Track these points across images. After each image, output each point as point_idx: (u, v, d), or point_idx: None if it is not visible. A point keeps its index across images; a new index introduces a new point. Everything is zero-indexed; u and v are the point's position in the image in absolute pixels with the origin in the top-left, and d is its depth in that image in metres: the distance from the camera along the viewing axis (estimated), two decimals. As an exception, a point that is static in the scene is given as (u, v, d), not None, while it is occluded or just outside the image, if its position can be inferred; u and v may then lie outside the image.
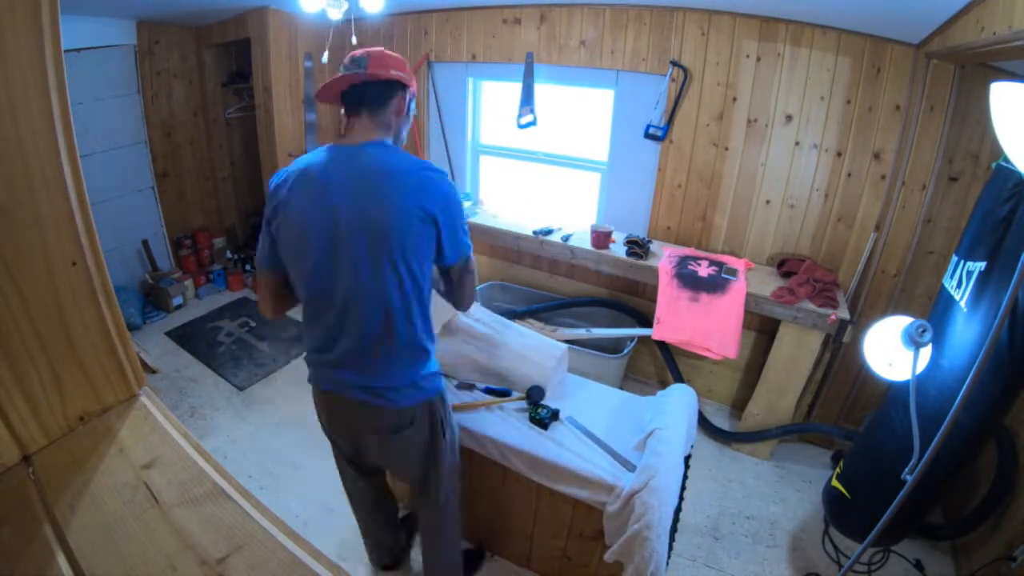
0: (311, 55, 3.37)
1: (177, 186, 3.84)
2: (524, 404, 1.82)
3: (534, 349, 1.92)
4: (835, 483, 1.85)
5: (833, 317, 2.22)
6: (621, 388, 2.37)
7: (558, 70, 2.87)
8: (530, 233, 2.92)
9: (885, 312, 2.28)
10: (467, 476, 1.83)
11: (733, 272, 2.49)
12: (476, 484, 1.87)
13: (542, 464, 1.62)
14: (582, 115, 3.03)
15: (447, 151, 3.39)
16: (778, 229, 2.65)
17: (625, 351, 2.78)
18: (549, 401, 1.82)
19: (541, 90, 2.94)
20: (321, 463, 2.39)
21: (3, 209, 0.74)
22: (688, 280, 2.48)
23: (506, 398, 1.83)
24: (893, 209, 2.27)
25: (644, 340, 2.83)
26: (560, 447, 1.64)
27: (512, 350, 1.91)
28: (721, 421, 2.85)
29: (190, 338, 3.36)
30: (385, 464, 1.54)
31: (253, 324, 3.53)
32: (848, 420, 2.66)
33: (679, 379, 2.80)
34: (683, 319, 2.49)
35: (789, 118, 2.46)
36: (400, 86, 1.24)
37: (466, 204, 3.24)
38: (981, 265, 1.42)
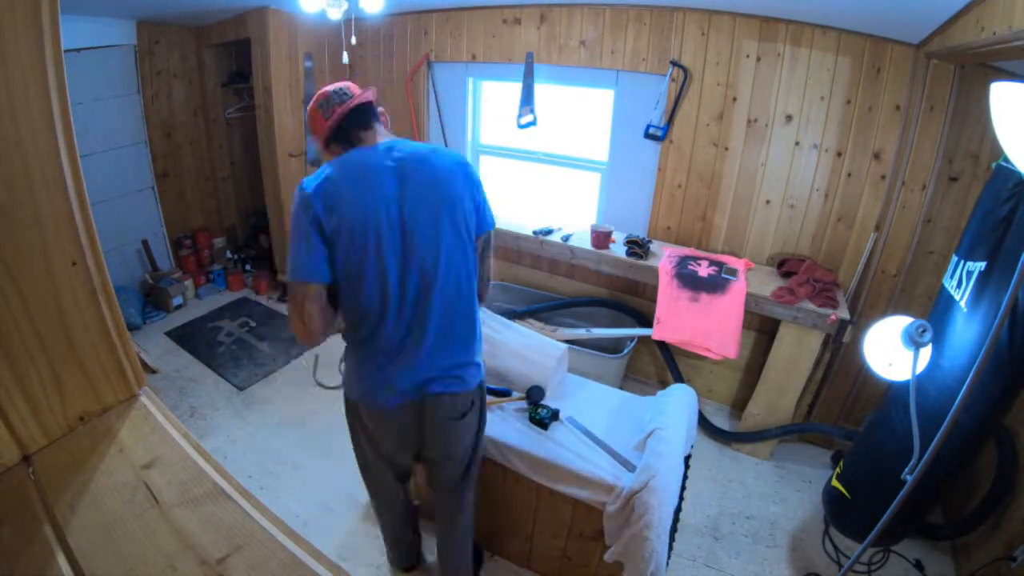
0: (311, 55, 3.37)
1: (177, 186, 3.84)
2: (524, 404, 1.82)
3: (534, 349, 1.92)
4: (835, 483, 1.85)
5: (833, 317, 2.22)
6: (621, 388, 2.37)
7: (558, 70, 2.87)
8: (530, 233, 2.92)
9: (885, 312, 2.28)
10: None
11: (733, 272, 2.49)
12: (476, 484, 1.87)
13: (542, 464, 1.62)
14: (582, 115, 3.03)
15: (447, 151, 3.39)
16: (778, 229, 2.65)
17: (625, 351, 2.78)
18: (549, 401, 1.82)
19: (541, 90, 2.94)
20: (321, 463, 2.40)
21: (3, 209, 0.74)
22: (688, 280, 2.48)
23: (506, 398, 1.84)
24: (893, 209, 2.27)
25: (644, 340, 2.83)
26: (560, 447, 1.65)
27: (512, 350, 1.91)
28: (721, 421, 2.85)
29: (190, 338, 3.35)
30: (440, 454, 1.49)
31: (253, 324, 3.53)
32: (848, 420, 2.66)
33: (679, 379, 2.80)
34: (683, 319, 2.49)
35: (789, 118, 2.46)
36: (374, 104, 1.35)
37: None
38: (981, 265, 1.42)
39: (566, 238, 2.85)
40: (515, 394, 1.85)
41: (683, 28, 2.52)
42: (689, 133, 2.67)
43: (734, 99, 2.54)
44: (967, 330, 1.41)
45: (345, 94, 1.28)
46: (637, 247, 2.66)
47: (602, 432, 1.72)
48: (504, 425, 1.72)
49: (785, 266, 2.55)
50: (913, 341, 1.26)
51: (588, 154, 3.06)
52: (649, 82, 2.67)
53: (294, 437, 2.58)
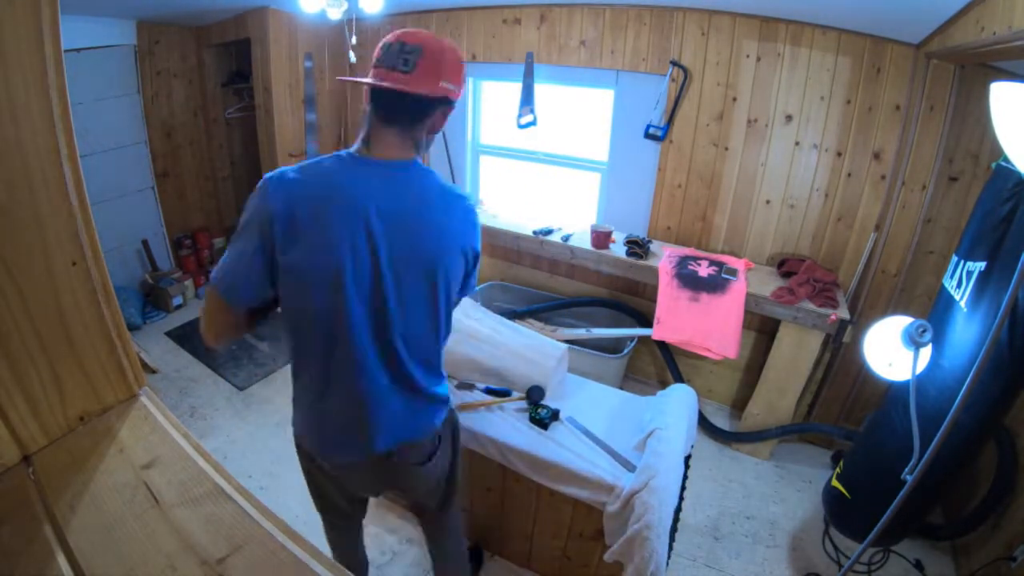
0: (311, 55, 3.37)
1: (177, 186, 3.83)
2: (524, 404, 1.82)
3: (534, 349, 1.92)
4: (835, 483, 1.85)
5: (833, 317, 2.22)
6: (621, 388, 2.37)
7: (558, 70, 2.87)
8: (530, 233, 2.92)
9: (885, 312, 2.28)
10: (467, 476, 1.83)
11: (733, 272, 2.49)
12: (476, 484, 1.87)
13: (542, 464, 1.62)
14: (582, 115, 3.03)
15: (447, 151, 3.39)
16: (778, 229, 2.65)
17: (625, 351, 2.78)
18: (549, 401, 1.82)
19: (541, 90, 2.94)
20: (321, 463, 2.40)
21: (3, 209, 0.74)
22: (688, 280, 2.48)
23: (506, 398, 1.84)
24: (893, 209, 2.27)
25: (644, 340, 2.83)
26: (560, 447, 1.64)
27: (512, 350, 1.91)
28: (721, 421, 2.85)
29: (190, 338, 3.35)
30: (409, 493, 1.41)
31: (253, 324, 3.53)
32: (848, 420, 2.66)
33: (679, 379, 2.80)
34: (683, 319, 2.49)
35: (789, 118, 2.46)
36: (445, 101, 1.04)
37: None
38: (981, 265, 1.42)
39: (566, 238, 2.85)
40: (515, 394, 1.85)
41: (683, 28, 2.52)
42: (689, 133, 2.67)
43: (734, 99, 2.54)
44: (967, 330, 1.41)
45: (407, 68, 0.96)
46: (637, 247, 2.66)
47: (602, 432, 1.72)
48: (504, 425, 1.72)
49: (785, 266, 2.55)
50: (913, 341, 1.26)
51: (588, 154, 3.06)
52: (649, 82, 2.67)
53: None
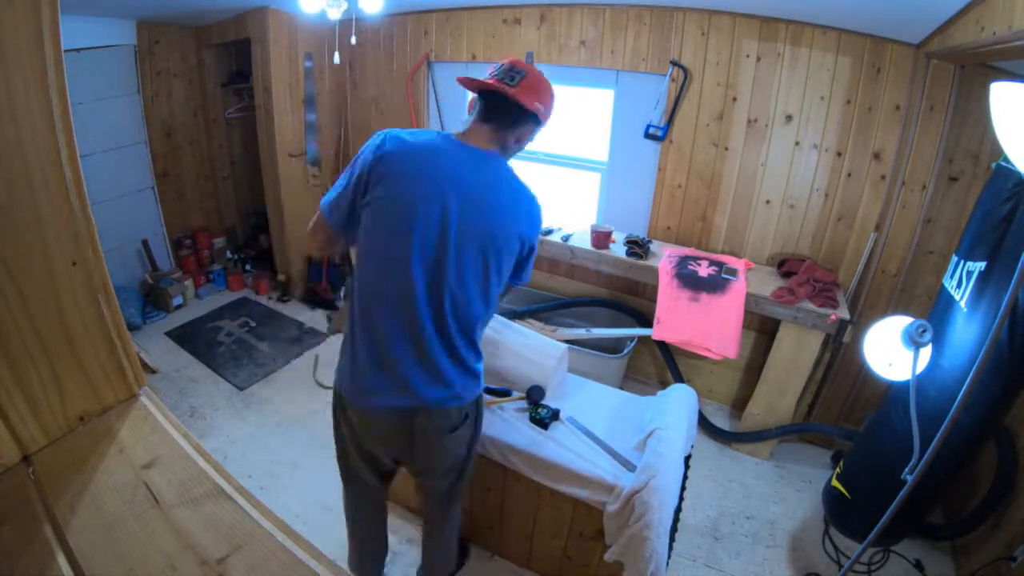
0: (311, 55, 3.37)
1: (177, 186, 3.83)
2: (524, 404, 1.82)
3: (534, 349, 1.92)
4: (835, 483, 1.85)
5: (833, 317, 2.22)
6: (621, 388, 2.37)
7: (558, 70, 2.87)
8: (530, 233, 2.92)
9: (885, 312, 2.28)
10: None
11: (733, 272, 2.49)
12: (476, 484, 1.87)
13: (542, 464, 1.62)
14: (582, 115, 3.03)
15: (447, 151, 3.39)
16: (778, 229, 2.65)
17: (625, 351, 2.78)
18: (549, 401, 1.82)
19: (553, 91, 2.93)
20: (321, 463, 2.40)
21: (3, 209, 0.74)
22: (688, 280, 2.48)
23: (506, 398, 1.84)
24: (893, 209, 2.27)
25: (644, 340, 2.83)
26: (560, 447, 1.65)
27: (512, 350, 1.91)
28: (721, 421, 2.85)
29: (190, 338, 3.35)
30: (426, 466, 1.44)
31: (253, 324, 3.53)
32: (848, 420, 2.66)
33: (679, 379, 2.80)
34: (683, 319, 2.49)
35: (789, 118, 2.46)
36: (536, 118, 1.25)
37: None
38: (981, 265, 1.42)
39: (566, 238, 2.85)
40: (515, 394, 1.85)
41: (683, 28, 2.52)
42: (689, 133, 2.67)
43: (734, 99, 2.54)
44: (967, 330, 1.41)
45: (513, 81, 1.19)
46: (637, 247, 2.66)
47: (602, 432, 1.72)
48: (504, 425, 1.72)
49: (785, 266, 2.55)
50: (913, 341, 1.26)
51: (588, 154, 3.06)
52: (649, 82, 2.67)
53: (294, 437, 2.58)
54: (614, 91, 2.79)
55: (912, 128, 2.17)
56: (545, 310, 3.10)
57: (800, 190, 2.54)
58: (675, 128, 2.69)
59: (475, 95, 1.28)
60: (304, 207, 3.54)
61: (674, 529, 1.71)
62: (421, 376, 1.23)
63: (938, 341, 1.44)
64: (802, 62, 2.37)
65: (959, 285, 1.50)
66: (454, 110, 3.31)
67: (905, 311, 1.86)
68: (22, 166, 0.75)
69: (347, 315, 1.31)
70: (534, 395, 1.81)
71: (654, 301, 2.59)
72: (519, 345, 1.93)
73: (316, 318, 3.61)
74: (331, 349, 3.07)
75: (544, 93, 1.25)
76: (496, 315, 2.09)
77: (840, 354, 2.52)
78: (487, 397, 1.83)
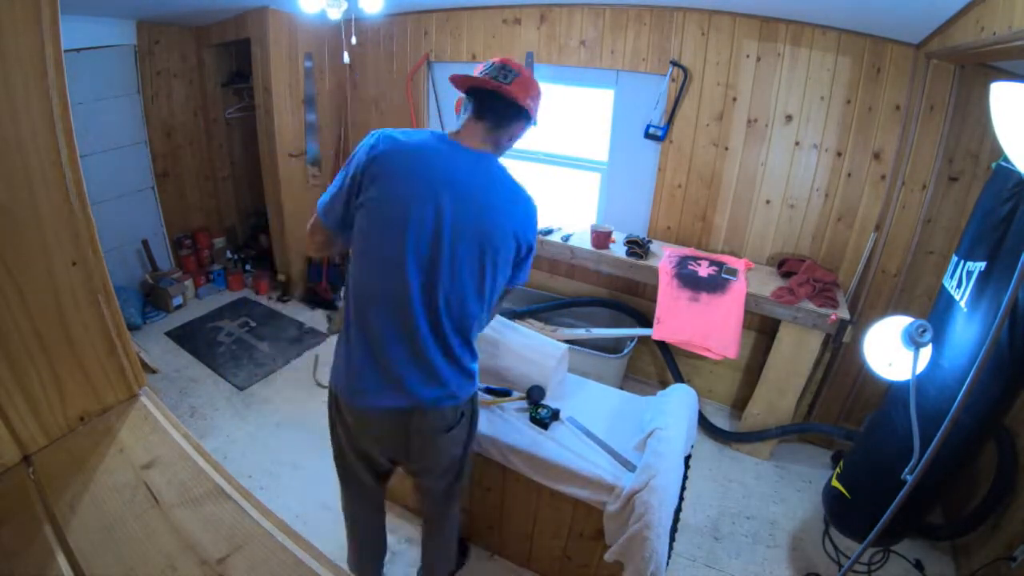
0: (311, 55, 3.37)
1: (177, 186, 3.83)
2: (524, 404, 1.82)
3: (534, 349, 1.92)
4: (835, 483, 1.85)
5: (833, 317, 2.22)
6: (621, 388, 2.37)
7: (558, 70, 2.87)
8: (530, 233, 2.92)
9: (885, 312, 2.28)
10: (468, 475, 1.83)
11: (733, 272, 2.49)
12: (476, 484, 1.87)
13: (542, 464, 1.62)
14: (582, 115, 3.03)
15: (447, 151, 3.39)
16: (778, 229, 2.65)
17: (625, 351, 2.78)
18: (549, 401, 1.82)
19: (541, 90, 2.93)
20: (321, 463, 2.39)
21: (3, 209, 0.74)
22: (688, 280, 2.48)
23: (506, 398, 1.84)
24: (893, 209, 2.27)
25: (644, 340, 2.83)
26: (560, 447, 1.64)
27: (512, 350, 1.91)
28: (721, 421, 2.85)
29: (190, 338, 3.35)
30: (422, 466, 1.44)
31: (253, 324, 3.53)
32: (848, 420, 2.66)
33: (679, 379, 2.80)
34: (683, 319, 2.49)
35: (789, 118, 2.46)
36: (527, 116, 1.28)
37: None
38: (981, 265, 1.42)
39: (566, 238, 2.85)
40: (515, 394, 1.85)
41: (683, 28, 2.52)
42: (689, 133, 2.67)
43: (734, 99, 2.54)
44: (967, 330, 1.41)
45: (506, 77, 1.20)
46: (637, 247, 2.66)
47: (602, 432, 1.72)
48: (504, 425, 1.72)
49: (785, 266, 2.55)
50: (913, 341, 1.26)
51: (588, 154, 3.06)
52: (649, 82, 2.67)
53: (294, 437, 2.58)
54: (614, 91, 2.79)
55: (912, 128, 2.17)
56: (545, 310, 3.10)
57: (800, 190, 2.54)
58: (675, 128, 2.69)
59: (463, 95, 1.27)
60: (304, 207, 3.54)
61: (674, 529, 1.71)
62: (416, 375, 1.23)
63: (938, 341, 1.44)
64: (802, 62, 2.37)
65: (959, 285, 1.50)
66: (454, 110, 3.30)
67: (905, 311, 1.86)
68: (22, 166, 0.75)
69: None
70: (534, 395, 1.81)
71: (654, 301, 2.59)
72: (519, 345, 1.93)
73: (316, 318, 3.61)
74: (331, 349, 3.06)
75: (534, 91, 1.28)
76: (496, 315, 2.09)
77: (840, 354, 2.52)
78: (487, 397, 1.83)
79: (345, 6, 2.28)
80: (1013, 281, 0.99)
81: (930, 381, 1.45)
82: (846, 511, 1.81)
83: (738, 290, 2.39)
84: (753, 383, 2.61)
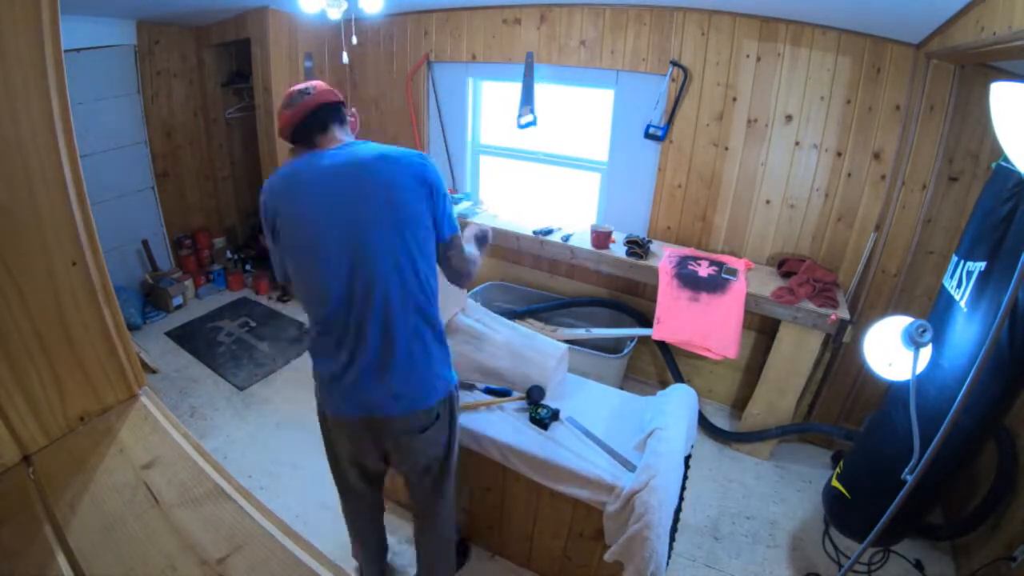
0: (311, 55, 3.37)
1: (177, 186, 3.83)
2: (524, 404, 1.82)
3: (534, 349, 1.92)
4: (835, 483, 1.85)
5: (833, 317, 2.22)
6: (621, 388, 2.37)
7: (558, 70, 2.87)
8: (530, 233, 2.92)
9: (885, 312, 2.28)
10: (467, 476, 1.83)
11: (733, 272, 2.49)
12: (476, 484, 1.87)
13: (542, 464, 1.62)
14: (582, 115, 3.03)
15: (447, 151, 3.39)
16: (778, 229, 2.65)
17: (625, 351, 2.78)
18: (549, 401, 1.82)
19: (541, 90, 2.94)
20: (321, 463, 2.38)
21: (3, 209, 0.74)
22: (688, 280, 2.48)
23: (506, 398, 1.84)
24: (893, 209, 2.27)
25: (644, 340, 2.83)
26: (560, 447, 1.64)
27: (512, 350, 1.91)
28: (721, 421, 2.85)
29: (190, 338, 3.35)
30: (403, 466, 1.47)
31: (253, 324, 3.53)
32: (848, 420, 2.66)
33: (679, 379, 2.80)
34: (683, 319, 2.49)
35: (789, 118, 2.46)
36: (340, 103, 1.33)
37: (466, 204, 3.24)
38: (981, 265, 1.42)
39: (566, 238, 2.85)
40: (515, 394, 1.85)
41: (683, 28, 2.52)
42: (689, 133, 2.67)
43: (734, 99, 2.54)
44: (967, 330, 1.41)
45: (306, 93, 1.26)
46: (637, 247, 2.66)
47: (602, 432, 1.72)
48: (504, 425, 1.72)
49: (785, 266, 2.55)
50: (913, 341, 1.26)
51: (588, 154, 3.06)
52: (649, 82, 2.67)
53: (294, 437, 2.58)
54: (614, 91, 2.79)
55: (912, 128, 2.17)
56: (545, 310, 3.10)
57: (800, 190, 2.54)
58: (675, 128, 2.69)
59: (291, 142, 1.31)
60: (304, 207, 3.53)
61: (674, 529, 1.71)
62: (380, 387, 1.25)
63: (938, 341, 1.44)
64: (802, 62, 2.37)
65: (959, 285, 1.50)
66: (454, 110, 3.31)
67: (905, 311, 1.86)
68: (22, 166, 0.75)
69: None
70: (534, 395, 1.81)
71: (654, 301, 2.59)
72: (519, 345, 1.93)
73: (316, 318, 3.61)
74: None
75: (332, 90, 1.32)
76: (496, 315, 2.10)
77: (840, 354, 2.52)
78: (487, 397, 1.83)
79: (345, 6, 2.28)
80: (1013, 281, 0.99)
81: (930, 381, 1.45)
82: (846, 511, 1.81)
83: (738, 290, 2.39)
84: (753, 383, 2.61)
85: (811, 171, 2.49)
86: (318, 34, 3.33)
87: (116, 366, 0.94)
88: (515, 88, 2.95)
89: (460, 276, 1.39)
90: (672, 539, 1.70)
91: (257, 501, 0.80)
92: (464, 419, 1.72)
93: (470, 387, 1.88)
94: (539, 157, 3.18)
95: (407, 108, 3.38)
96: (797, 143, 2.48)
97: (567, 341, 2.45)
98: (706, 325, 2.44)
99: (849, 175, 2.43)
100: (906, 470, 1.26)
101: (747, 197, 2.66)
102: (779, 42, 2.38)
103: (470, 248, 1.43)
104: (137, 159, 3.54)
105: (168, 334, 3.38)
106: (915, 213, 2.24)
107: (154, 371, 3.01)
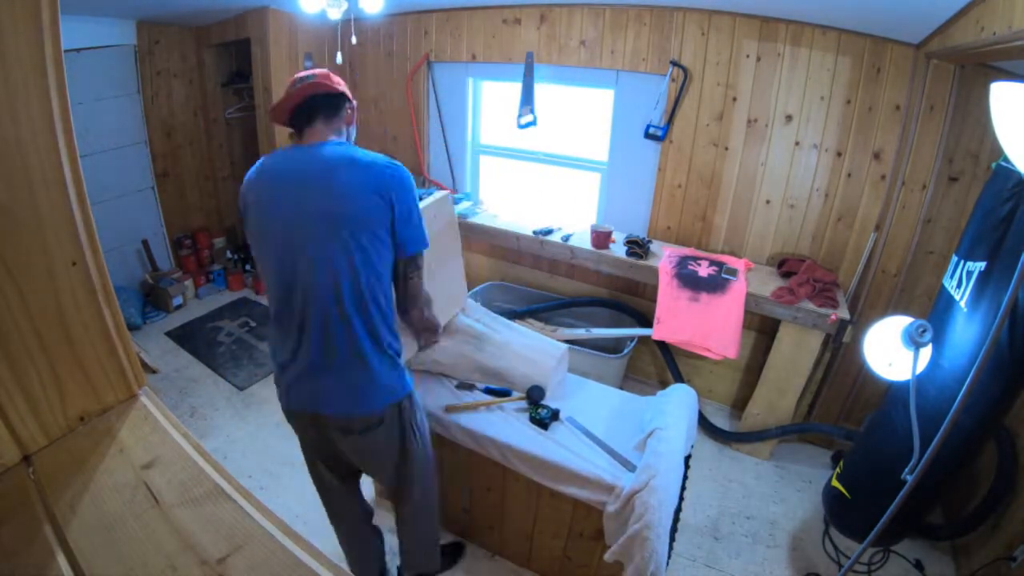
0: (311, 55, 3.37)
1: (177, 186, 3.84)
2: (524, 404, 1.82)
3: (534, 349, 1.92)
4: (835, 483, 1.85)
5: (833, 317, 2.22)
6: (621, 388, 2.37)
7: (558, 70, 2.87)
8: (530, 233, 2.92)
9: (885, 312, 2.28)
10: (468, 476, 1.83)
11: (733, 272, 2.49)
12: (476, 484, 1.87)
13: (542, 464, 1.62)
14: (582, 115, 3.03)
15: (447, 151, 3.39)
16: (778, 229, 2.65)
17: (625, 351, 2.78)
18: (549, 401, 1.82)
19: (541, 90, 2.94)
20: (321, 463, 2.40)
21: (3, 209, 0.74)
22: (688, 280, 2.48)
23: (506, 398, 1.83)
24: (893, 209, 2.27)
25: (644, 340, 2.83)
26: (560, 447, 1.64)
27: (512, 350, 1.91)
28: (721, 421, 2.85)
29: (190, 338, 3.35)
30: (359, 463, 1.50)
31: (253, 324, 3.54)
32: (848, 420, 2.66)
33: (679, 379, 2.80)
34: (683, 319, 2.49)
35: (789, 118, 2.46)
36: (346, 98, 1.33)
37: (466, 204, 3.24)
38: (981, 265, 1.42)
39: (566, 238, 2.85)
40: (515, 394, 1.85)
41: (683, 28, 2.52)
42: (689, 133, 2.67)
43: (734, 99, 2.54)
44: (967, 330, 1.41)
45: (305, 80, 1.25)
46: (637, 247, 2.66)
47: (602, 432, 1.72)
48: (504, 425, 1.72)
49: (785, 266, 2.55)
50: (913, 341, 1.26)
51: (588, 154, 3.06)
52: (649, 82, 2.67)
53: (294, 437, 2.56)
54: (614, 91, 2.79)
55: (912, 128, 2.17)
56: (545, 310, 3.10)
57: (800, 190, 2.54)
58: (675, 128, 2.69)
59: (290, 127, 1.31)
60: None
61: (674, 529, 1.71)
62: (319, 386, 1.28)
63: (938, 341, 1.44)
64: (802, 62, 2.37)
65: (959, 285, 1.50)
66: (454, 110, 3.31)
67: (905, 311, 1.86)
68: (22, 166, 0.75)
69: None
70: (534, 395, 1.81)
71: (654, 301, 2.59)
72: (519, 345, 1.93)
73: (316, 318, 3.61)
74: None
75: (336, 79, 1.33)
76: (496, 315, 2.09)
77: (840, 354, 2.52)
78: (487, 397, 1.83)
79: (345, 6, 2.28)
80: (1013, 281, 0.99)
81: (930, 381, 1.45)
82: (846, 511, 1.81)
83: (738, 290, 2.39)
84: (753, 383, 2.61)
85: (811, 171, 2.49)
86: (318, 34, 3.33)
87: (116, 366, 0.94)
88: (515, 88, 2.95)
89: (414, 302, 1.35)
90: (672, 539, 1.70)
91: (257, 501, 0.80)
92: (464, 419, 1.72)
93: (470, 387, 1.88)
94: (539, 157, 3.18)
95: (407, 108, 3.38)
96: (797, 143, 2.48)
97: (567, 341, 2.45)
98: (706, 325, 2.44)
99: (849, 175, 2.43)
100: (906, 470, 1.26)
101: (747, 197, 2.66)
102: (779, 42, 2.38)
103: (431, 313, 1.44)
104: (137, 159, 3.55)
105: (168, 334, 3.38)
106: (915, 213, 2.24)
107: (154, 371, 3.01)
